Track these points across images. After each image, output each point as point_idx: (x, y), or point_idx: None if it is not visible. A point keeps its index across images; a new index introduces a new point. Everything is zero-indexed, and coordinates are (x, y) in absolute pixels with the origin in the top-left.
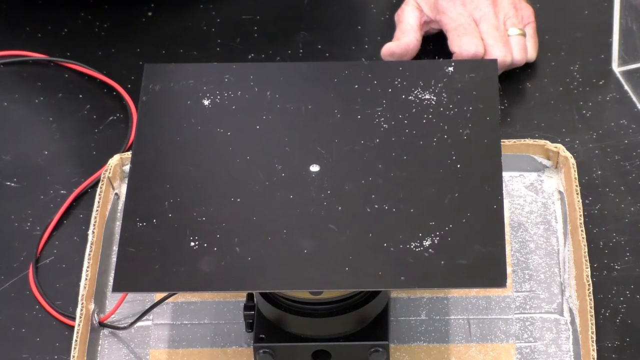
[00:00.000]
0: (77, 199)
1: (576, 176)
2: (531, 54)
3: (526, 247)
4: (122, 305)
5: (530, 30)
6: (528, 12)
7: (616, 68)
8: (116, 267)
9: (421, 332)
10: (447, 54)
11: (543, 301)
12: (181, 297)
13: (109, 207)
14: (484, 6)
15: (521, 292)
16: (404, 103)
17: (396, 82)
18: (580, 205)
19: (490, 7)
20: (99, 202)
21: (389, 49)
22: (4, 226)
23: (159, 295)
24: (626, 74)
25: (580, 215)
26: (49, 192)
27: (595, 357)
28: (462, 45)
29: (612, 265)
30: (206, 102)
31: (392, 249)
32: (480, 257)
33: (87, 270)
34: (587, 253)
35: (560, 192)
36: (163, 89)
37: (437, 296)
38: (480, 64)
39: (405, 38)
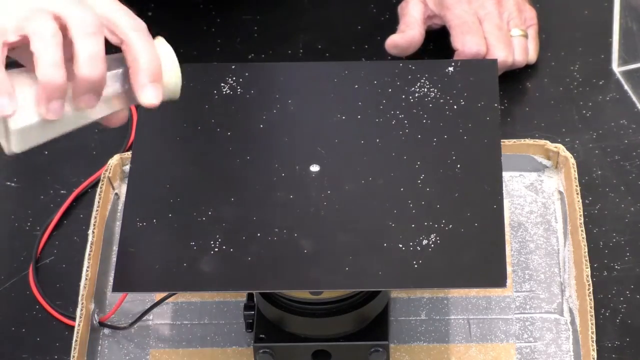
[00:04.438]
0: (77, 199)
1: (576, 176)
2: (532, 56)
3: (526, 247)
4: (122, 305)
5: (533, 32)
6: (531, 14)
7: (616, 68)
8: (116, 267)
9: (421, 332)
10: (447, 53)
11: (543, 301)
12: (181, 297)
13: (109, 207)
14: (488, 5)
15: (521, 292)
16: (403, 103)
17: (396, 82)
18: (580, 205)
19: (494, 6)
20: (99, 202)
21: (393, 41)
22: (4, 226)
23: (159, 295)
24: (626, 74)
25: (580, 215)
26: (49, 192)
27: (595, 357)
28: (465, 43)
29: (612, 265)
30: (206, 102)
31: (392, 249)
32: (480, 257)
33: (87, 270)
34: (587, 253)
35: (560, 192)
36: None
37: (437, 296)
38: (481, 64)
39: (410, 31)
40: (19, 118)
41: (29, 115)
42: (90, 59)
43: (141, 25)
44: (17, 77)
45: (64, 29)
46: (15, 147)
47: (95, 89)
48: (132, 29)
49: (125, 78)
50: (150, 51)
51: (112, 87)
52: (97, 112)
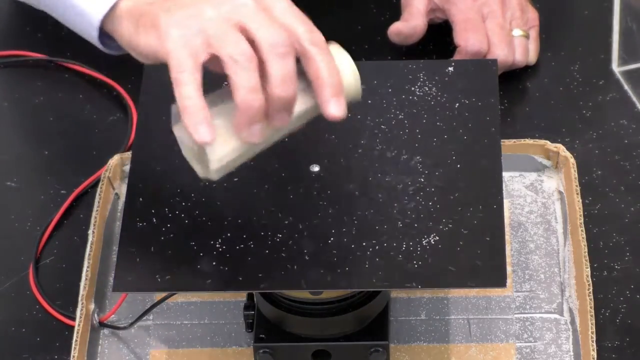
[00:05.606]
0: (77, 199)
1: (576, 176)
2: (532, 57)
3: (526, 247)
4: (122, 305)
5: (534, 33)
6: (534, 15)
7: (616, 68)
8: (116, 267)
9: (421, 332)
10: (447, 53)
11: (543, 301)
12: (181, 297)
13: (109, 207)
14: (493, 3)
15: (521, 292)
16: (404, 103)
17: (396, 82)
18: (580, 205)
19: (498, 5)
20: (99, 202)
21: (396, 28)
22: (4, 226)
23: (159, 295)
24: (626, 74)
25: (580, 215)
26: (49, 192)
27: (595, 357)
28: (468, 40)
29: (612, 265)
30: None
31: (392, 249)
32: (480, 257)
33: (87, 270)
34: (587, 253)
35: (560, 192)
36: (163, 89)
37: (437, 296)
38: (481, 64)
39: (413, 21)
40: (219, 146)
41: (229, 143)
42: (283, 80)
43: (320, 38)
44: (211, 102)
45: (251, 43)
46: (214, 174)
47: (289, 107)
48: (311, 43)
49: (311, 92)
50: (330, 66)
51: (301, 102)
52: (288, 128)
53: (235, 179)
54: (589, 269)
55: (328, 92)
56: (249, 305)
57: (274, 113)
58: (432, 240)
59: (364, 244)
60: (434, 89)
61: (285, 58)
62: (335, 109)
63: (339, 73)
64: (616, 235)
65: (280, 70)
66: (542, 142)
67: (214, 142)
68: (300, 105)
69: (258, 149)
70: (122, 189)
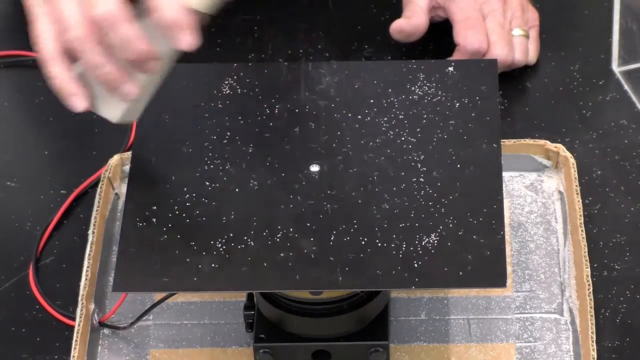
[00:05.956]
0: (77, 199)
1: (576, 176)
2: (532, 57)
3: (526, 247)
4: (122, 305)
5: (534, 33)
6: (534, 15)
7: (616, 68)
8: (116, 267)
9: (421, 332)
10: (447, 53)
11: (543, 301)
12: (181, 297)
13: (109, 207)
14: (493, 2)
15: (521, 292)
16: (404, 103)
17: (396, 82)
18: (580, 205)
19: (499, 4)
20: (99, 202)
21: (399, 26)
22: (4, 226)
23: (159, 295)
24: (626, 74)
25: (580, 215)
26: (49, 192)
27: (595, 357)
28: (468, 38)
29: (612, 265)
30: (206, 102)
31: (392, 249)
32: (480, 257)
33: (87, 270)
34: (587, 253)
35: (560, 192)
36: (163, 88)
37: (437, 296)
38: (481, 64)
39: (416, 19)
40: (109, 107)
41: (116, 102)
42: (124, 46)
43: None
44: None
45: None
46: (121, 122)
47: (149, 60)
48: None
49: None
50: (167, 2)
51: (164, 44)
52: (166, 64)
53: (235, 179)
54: (589, 269)
55: (173, 30)
56: (249, 305)
57: (141, 68)
58: (432, 240)
59: (364, 244)
60: (434, 89)
61: (118, 26)
62: (184, 44)
63: (178, 7)
64: (616, 235)
65: (117, 38)
66: (542, 142)
67: (90, 107)
68: (166, 46)
69: (152, 87)
70: (122, 189)
